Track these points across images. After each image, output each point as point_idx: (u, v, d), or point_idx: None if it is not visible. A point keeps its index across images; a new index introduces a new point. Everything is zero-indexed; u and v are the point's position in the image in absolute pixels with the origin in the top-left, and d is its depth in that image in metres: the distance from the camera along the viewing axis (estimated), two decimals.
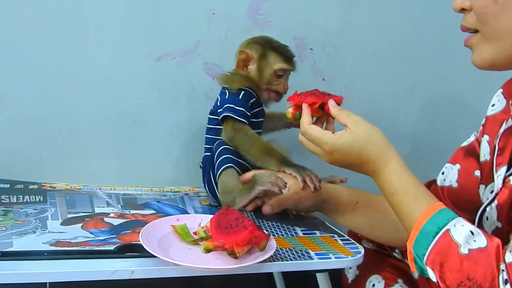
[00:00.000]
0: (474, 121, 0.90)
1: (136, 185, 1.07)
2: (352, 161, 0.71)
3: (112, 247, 0.69)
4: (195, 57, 1.14)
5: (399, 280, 0.94)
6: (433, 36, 1.29)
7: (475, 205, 0.77)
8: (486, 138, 0.81)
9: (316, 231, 0.86)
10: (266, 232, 0.69)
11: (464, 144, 0.87)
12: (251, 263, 0.65)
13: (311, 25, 1.22)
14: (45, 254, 0.64)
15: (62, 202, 0.91)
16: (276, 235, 0.82)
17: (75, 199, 0.93)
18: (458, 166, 0.86)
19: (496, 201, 0.71)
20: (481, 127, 0.84)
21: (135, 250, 0.70)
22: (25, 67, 1.03)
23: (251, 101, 0.97)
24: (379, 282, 0.94)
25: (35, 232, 0.73)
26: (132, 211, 0.89)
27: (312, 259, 0.72)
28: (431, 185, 0.91)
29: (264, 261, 0.67)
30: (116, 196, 0.98)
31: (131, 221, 0.84)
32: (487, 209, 0.73)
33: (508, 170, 0.71)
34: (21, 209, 0.84)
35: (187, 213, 0.92)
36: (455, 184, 0.85)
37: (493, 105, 0.82)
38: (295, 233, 0.84)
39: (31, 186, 0.98)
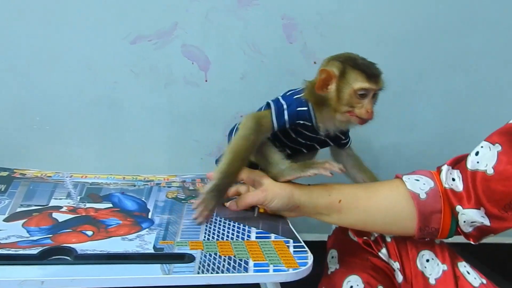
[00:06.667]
0: None
1: (112, 173, 1.04)
2: None
3: (36, 251, 0.66)
4: (173, 39, 1.08)
5: (380, 287, 0.87)
6: (450, 17, 1.15)
7: None
8: None
9: (272, 234, 0.79)
10: None
11: None
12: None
13: (301, 2, 1.11)
14: None
15: (22, 192, 0.90)
16: (225, 238, 0.77)
17: (37, 188, 0.92)
18: (498, 147, 0.70)
19: None
20: None
21: (64, 254, 0.67)
22: None
23: (301, 120, 0.86)
24: (357, 285, 0.87)
25: None
26: (88, 205, 0.87)
27: (247, 271, 0.66)
28: (458, 162, 0.76)
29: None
30: (82, 185, 0.96)
31: (78, 217, 0.81)
32: None
33: None
34: None
35: (146, 207, 0.88)
36: (490, 171, 0.70)
37: None
38: (248, 236, 0.78)
39: (1, 173, 0.98)
